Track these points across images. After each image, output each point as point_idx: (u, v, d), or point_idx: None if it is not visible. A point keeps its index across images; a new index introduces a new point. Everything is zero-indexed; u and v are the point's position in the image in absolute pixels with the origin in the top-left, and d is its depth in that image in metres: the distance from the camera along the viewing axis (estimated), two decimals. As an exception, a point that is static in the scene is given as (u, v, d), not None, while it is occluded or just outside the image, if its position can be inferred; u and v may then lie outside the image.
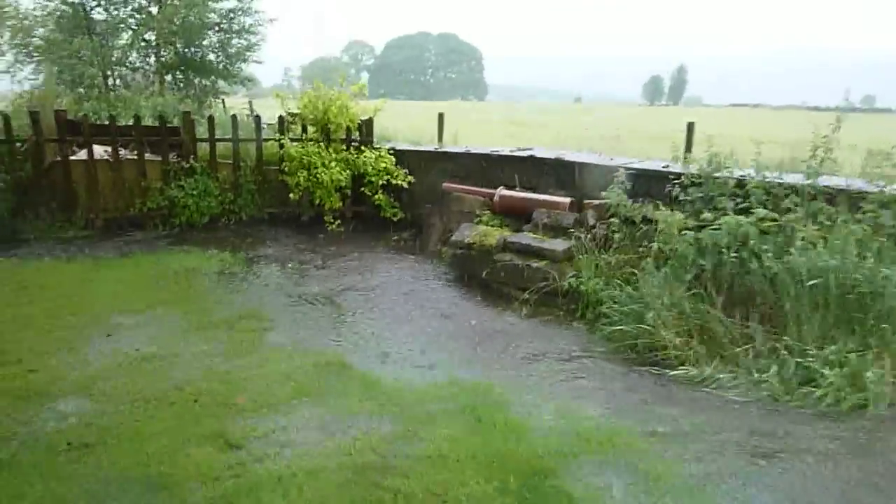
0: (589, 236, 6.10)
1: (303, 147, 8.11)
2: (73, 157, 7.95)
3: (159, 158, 8.16)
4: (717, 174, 5.80)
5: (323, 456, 3.44)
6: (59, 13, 14.03)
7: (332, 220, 8.34)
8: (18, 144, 7.76)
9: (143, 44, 14.22)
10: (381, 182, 8.26)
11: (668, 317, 4.89)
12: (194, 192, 7.99)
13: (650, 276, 5.19)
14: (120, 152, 7.98)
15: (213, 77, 15.48)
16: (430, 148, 8.57)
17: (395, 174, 8.26)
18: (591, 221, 6.34)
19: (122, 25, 14.61)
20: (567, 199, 6.61)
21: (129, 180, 8.08)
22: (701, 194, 5.70)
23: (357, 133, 8.55)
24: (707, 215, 5.28)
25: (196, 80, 15.44)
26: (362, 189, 8.38)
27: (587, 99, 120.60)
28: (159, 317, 5.38)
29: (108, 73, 14.17)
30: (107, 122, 8.22)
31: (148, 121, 9.39)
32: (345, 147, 8.43)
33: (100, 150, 8.04)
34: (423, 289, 6.43)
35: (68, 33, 13.69)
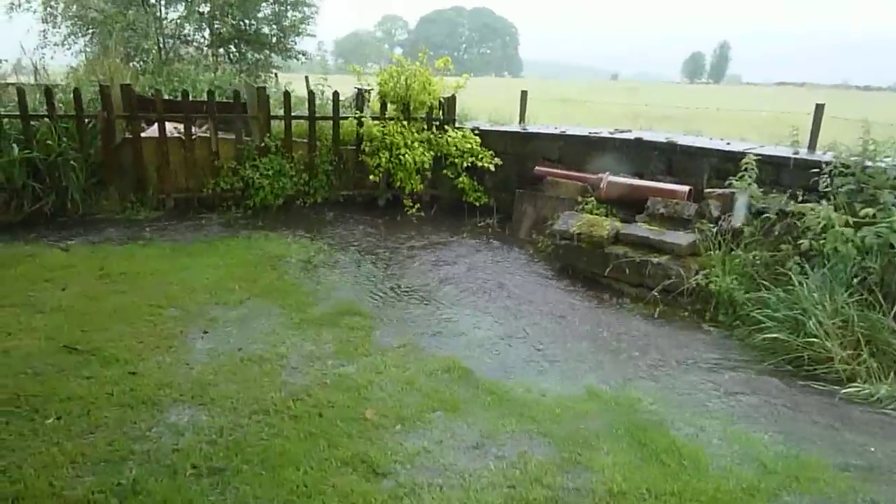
0: (715, 229, 5.53)
1: (384, 126, 7.61)
2: (143, 135, 7.57)
3: (232, 137, 7.74)
4: (868, 163, 5.17)
5: (483, 488, 2.99)
6: (112, -17, 13.65)
7: (411, 204, 7.85)
8: (87, 121, 7.39)
9: (196, 16, 13.77)
10: (465, 164, 7.74)
11: (831, 325, 4.33)
12: (269, 173, 7.56)
13: (805, 278, 4.62)
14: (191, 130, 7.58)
15: (266, 51, 15.01)
16: (519, 128, 8.01)
17: (481, 156, 7.72)
18: (715, 213, 5.76)
19: (176, -3, 14.19)
20: (685, 188, 6.03)
21: (200, 159, 7.67)
22: (852, 186, 5.08)
23: (439, 111, 8.03)
24: (868, 210, 4.67)
25: (249, 55, 14.99)
26: (444, 171, 7.88)
27: (623, 77, 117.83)
28: (255, 311, 4.96)
29: (162, 46, 13.77)
30: (177, 98, 7.80)
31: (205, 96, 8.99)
32: (426, 126, 7.91)
33: (169, 128, 7.63)
34: (525, 282, 5.93)
35: (122, 5, 13.30)
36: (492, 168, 7.65)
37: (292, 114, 7.77)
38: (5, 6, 13.08)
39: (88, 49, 13.40)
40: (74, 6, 13.04)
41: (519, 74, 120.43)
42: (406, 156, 7.47)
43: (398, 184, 7.76)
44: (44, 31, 13.31)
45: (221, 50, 14.53)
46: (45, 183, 7.12)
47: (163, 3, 14.15)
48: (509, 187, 7.81)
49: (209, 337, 4.50)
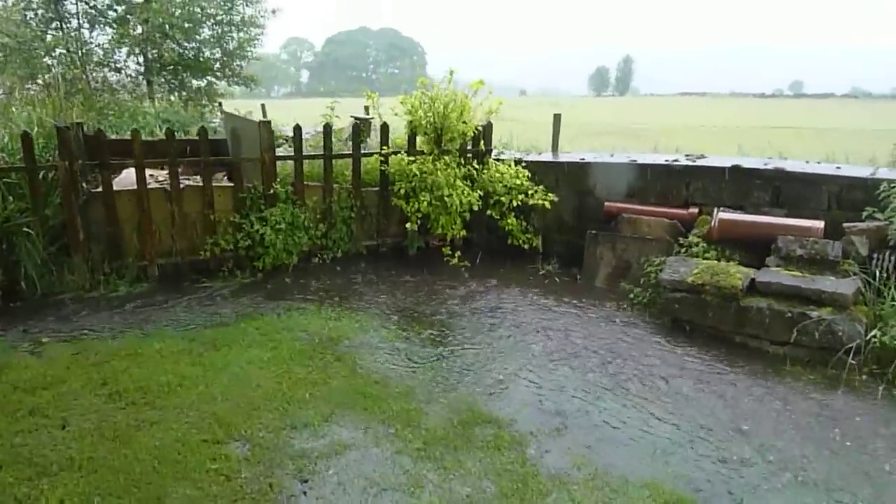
0: (879, 272, 4.65)
1: (422, 163, 6.35)
2: (116, 188, 5.97)
3: (229, 184, 6.26)
4: None
5: None
6: (24, 3, 11.61)
7: (450, 253, 6.62)
8: (42, 173, 5.72)
9: (129, 40, 11.91)
10: (515, 203, 6.59)
11: None
12: (282, 226, 6.13)
13: None
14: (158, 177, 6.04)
15: (209, 77, 13.29)
16: (573, 158, 6.93)
17: (532, 192, 6.60)
18: (863, 251, 4.89)
19: (103, 18, 12.27)
20: (819, 223, 5.14)
21: (191, 214, 6.15)
22: None
23: (480, 142, 6.86)
24: None
25: (189, 82, 13.24)
26: (488, 212, 6.69)
27: (530, 92, 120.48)
28: (353, 433, 3.59)
29: (89, 74, 11.86)
30: (152, 139, 6.24)
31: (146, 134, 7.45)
32: (461, 160, 6.72)
33: (134, 178, 6.08)
34: (646, 349, 4.82)
35: (40, 28, 11.32)
36: (547, 206, 6.54)
37: (304, 153, 6.37)
38: None
39: (-2, 81, 11.26)
40: (-20, 31, 10.93)
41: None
42: (452, 197, 6.24)
43: (439, 230, 6.51)
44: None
45: (161, 78, 12.67)
46: (-10, 259, 5.41)
47: (85, 25, 12.18)
48: (563, 227, 6.77)
49: (315, 490, 3.12)
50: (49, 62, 10.94)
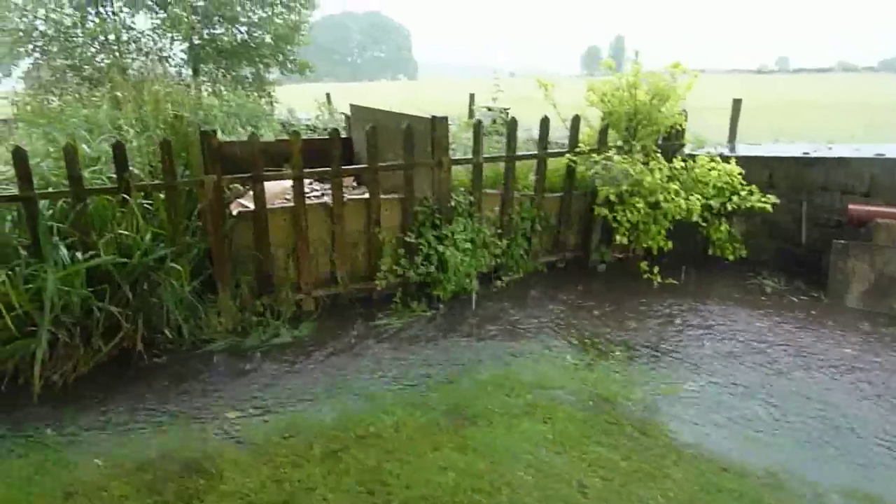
0: None
1: (632, 163, 5.22)
2: (269, 206, 4.79)
3: (397, 196, 5.11)
4: None
5: None
6: (56, -14, 10.22)
7: (647, 268, 5.55)
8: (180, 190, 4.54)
9: (184, 25, 10.55)
10: (730, 207, 5.52)
11: None
12: (467, 246, 5.01)
13: None
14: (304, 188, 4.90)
15: (260, 64, 11.97)
16: (791, 152, 5.84)
17: (745, 193, 5.52)
18: None
19: (142, 1, 10.89)
20: None
21: (352, 234, 5.00)
22: None
23: (685, 135, 5.78)
24: None
25: (239, 70, 11.91)
26: (694, 218, 5.59)
27: (518, 74, 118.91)
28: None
29: (131, 63, 10.52)
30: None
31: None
32: (658, 157, 5.61)
33: (275, 189, 4.95)
34: None
35: (79, 14, 9.95)
36: (768, 208, 5.45)
37: (483, 155, 5.22)
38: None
39: (36, 73, 9.89)
40: (16, 17, 9.52)
41: (415, 77, 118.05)
42: (670, 203, 5.15)
43: (649, 242, 5.43)
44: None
45: (209, 67, 11.33)
46: (127, 304, 4.22)
47: (125, 10, 10.79)
48: (775, 233, 5.73)
49: None
50: (93, 50, 9.60)
